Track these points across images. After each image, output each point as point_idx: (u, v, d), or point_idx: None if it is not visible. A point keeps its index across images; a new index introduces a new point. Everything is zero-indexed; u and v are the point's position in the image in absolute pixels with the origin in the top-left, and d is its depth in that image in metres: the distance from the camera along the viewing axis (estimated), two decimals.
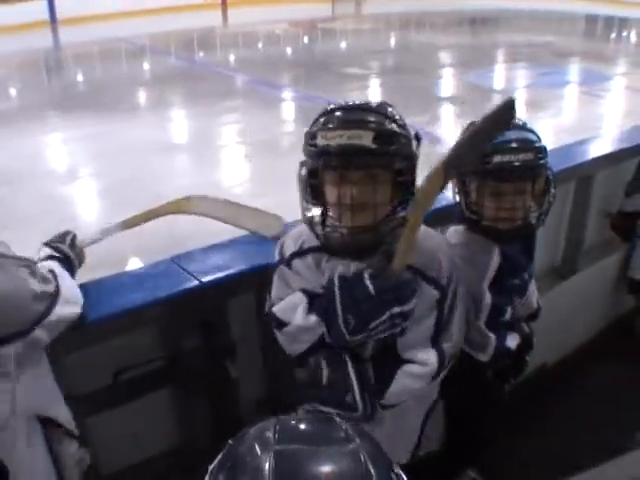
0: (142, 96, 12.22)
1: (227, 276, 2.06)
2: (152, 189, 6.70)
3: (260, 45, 17.20)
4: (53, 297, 1.65)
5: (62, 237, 2.08)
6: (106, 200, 6.93)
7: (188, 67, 14.10)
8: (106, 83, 12.77)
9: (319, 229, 1.76)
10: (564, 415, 3.09)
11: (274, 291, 1.92)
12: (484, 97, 10.79)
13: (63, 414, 1.80)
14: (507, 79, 13.34)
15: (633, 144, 3.65)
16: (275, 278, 1.93)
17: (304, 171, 1.77)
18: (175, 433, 2.46)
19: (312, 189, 1.76)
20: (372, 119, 1.67)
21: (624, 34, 21.06)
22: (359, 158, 1.64)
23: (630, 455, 1.19)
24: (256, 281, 2.08)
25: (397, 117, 1.73)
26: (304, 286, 1.84)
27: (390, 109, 1.75)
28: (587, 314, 3.58)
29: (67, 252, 1.99)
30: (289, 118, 10.19)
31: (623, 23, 21.87)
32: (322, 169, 1.72)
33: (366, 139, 1.62)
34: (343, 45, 17.46)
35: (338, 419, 0.98)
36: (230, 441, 0.97)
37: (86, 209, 7.00)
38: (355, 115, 1.69)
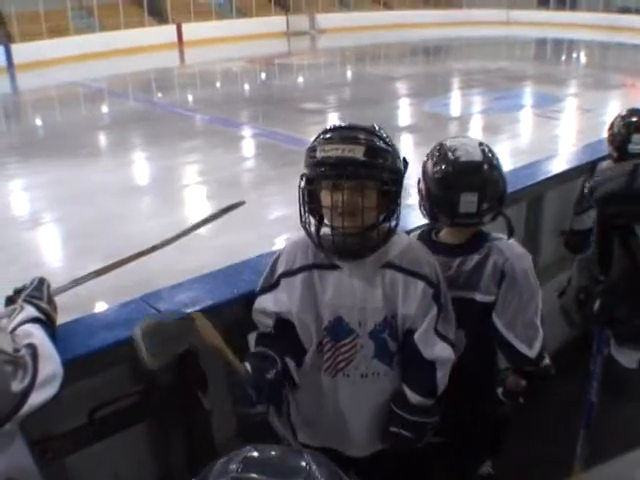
0: (102, 139, 12.25)
1: (193, 312, 2.12)
2: (117, 232, 6.77)
3: (218, 84, 17.37)
4: (24, 393, 1.54)
5: (39, 289, 1.91)
6: (71, 245, 6.96)
7: (147, 109, 14.20)
8: (65, 127, 12.81)
9: (314, 232, 1.93)
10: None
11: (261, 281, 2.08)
12: (441, 125, 11.05)
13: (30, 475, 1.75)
14: (463, 106, 13.68)
15: (581, 163, 3.78)
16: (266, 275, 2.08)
17: (304, 180, 1.91)
18: (153, 467, 2.48)
19: (309, 195, 1.93)
20: (364, 136, 1.86)
21: (573, 56, 21.69)
22: (351, 169, 1.83)
23: (627, 456, 1.22)
24: (223, 315, 2.15)
25: (385, 137, 1.92)
26: (288, 303, 2.00)
27: (380, 130, 1.94)
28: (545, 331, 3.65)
29: (47, 310, 1.86)
30: (249, 155, 10.32)
31: (571, 45, 22.52)
32: (320, 177, 1.88)
33: (358, 152, 1.82)
34: (300, 80, 17.71)
35: (305, 452, 1.02)
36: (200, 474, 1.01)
37: (52, 255, 7.01)
38: (350, 132, 1.88)
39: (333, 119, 12.19)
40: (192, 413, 2.36)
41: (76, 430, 2.17)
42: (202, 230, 6.71)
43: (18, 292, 1.89)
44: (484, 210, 2.12)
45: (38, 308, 1.80)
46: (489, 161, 2.13)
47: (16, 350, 1.56)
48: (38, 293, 1.87)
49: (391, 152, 1.90)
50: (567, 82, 15.31)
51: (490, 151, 2.17)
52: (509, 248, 2.18)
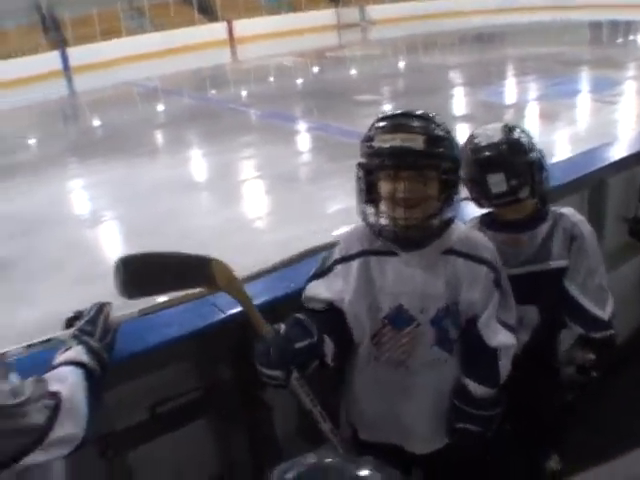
0: (159, 137, 12.41)
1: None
2: (177, 228, 6.81)
3: (271, 78, 17.41)
4: (35, 440, 1.41)
5: (94, 322, 1.78)
6: (131, 242, 7.05)
7: (202, 105, 14.34)
8: (122, 127, 12.99)
9: (374, 221, 1.90)
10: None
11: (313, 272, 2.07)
12: (496, 113, 10.83)
13: None
14: (518, 93, 13.41)
15: None
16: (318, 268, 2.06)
17: (361, 171, 1.89)
18: (215, 463, 2.48)
19: (367, 186, 1.90)
20: (421, 124, 1.84)
21: (630, 38, 21.08)
22: (410, 158, 1.81)
23: (630, 455, 1.20)
24: (284, 312, 2.11)
25: (443, 124, 1.90)
26: (341, 290, 1.97)
27: (438, 117, 1.91)
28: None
29: (97, 349, 1.71)
30: (305, 149, 10.29)
31: (628, 27, 21.91)
32: (378, 168, 1.87)
33: (417, 142, 1.80)
34: (353, 72, 17.62)
35: (362, 461, 1.00)
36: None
37: (112, 253, 7.08)
38: (407, 121, 1.86)
39: (388, 109, 12.06)
40: (254, 410, 2.36)
41: (137, 426, 2.19)
42: (260, 224, 6.78)
43: (76, 318, 1.81)
44: (515, 187, 2.13)
45: (88, 348, 1.68)
46: (508, 139, 2.16)
47: (35, 398, 1.43)
48: (91, 328, 1.75)
49: (450, 140, 1.88)
50: (625, 65, 14.84)
51: (513, 130, 2.20)
52: (572, 214, 2.24)
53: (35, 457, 1.40)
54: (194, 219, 7.17)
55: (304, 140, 10.80)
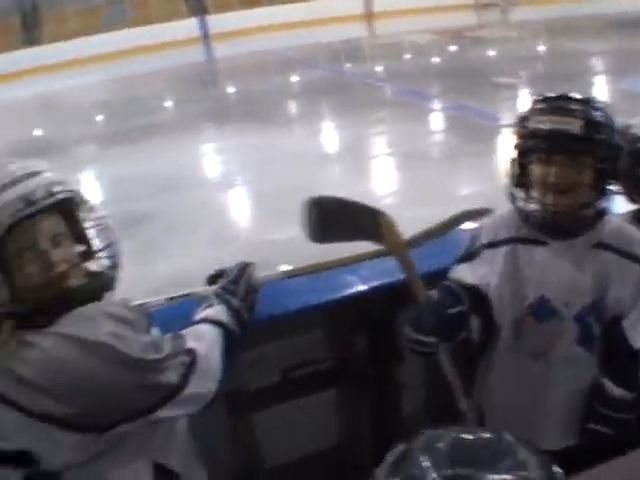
0: (293, 107, 12.54)
1: (397, 281, 2.03)
2: (306, 198, 6.82)
3: (408, 55, 17.20)
4: (167, 395, 1.44)
5: (237, 282, 1.77)
6: (261, 208, 7.14)
7: (336, 78, 14.32)
8: (257, 95, 13.17)
9: (522, 206, 1.84)
10: None
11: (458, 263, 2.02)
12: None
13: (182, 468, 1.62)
14: None
15: None
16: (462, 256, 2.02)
17: (515, 152, 1.87)
18: (337, 432, 2.50)
19: (520, 168, 1.87)
20: (581, 108, 1.78)
21: None
22: (566, 143, 1.75)
23: (628, 455, 1.13)
24: (426, 287, 2.05)
25: (605, 110, 1.83)
26: (486, 275, 1.92)
27: (599, 102, 1.85)
28: None
29: (238, 308, 1.70)
30: (439, 128, 10.10)
31: None
32: (531, 150, 1.82)
33: (575, 126, 1.74)
34: (491, 53, 17.11)
35: (514, 440, 0.93)
36: (400, 447, 0.92)
37: (242, 216, 7.24)
38: (566, 103, 1.80)
39: (526, 94, 11.68)
40: (384, 384, 2.37)
41: (268, 388, 2.24)
42: (389, 201, 6.69)
43: (219, 275, 1.83)
44: None
45: (229, 307, 1.69)
46: None
47: (172, 355, 1.46)
48: (233, 287, 1.76)
49: (610, 126, 1.81)
50: None
51: None
52: None
53: (165, 412, 1.45)
54: (323, 190, 7.05)
55: (438, 119, 10.61)
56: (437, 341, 1.82)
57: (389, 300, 2.12)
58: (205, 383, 1.51)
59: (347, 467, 2.35)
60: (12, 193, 1.38)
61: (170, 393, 1.44)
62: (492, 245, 1.94)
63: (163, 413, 1.45)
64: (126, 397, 1.40)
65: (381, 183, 7.71)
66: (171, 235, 6.22)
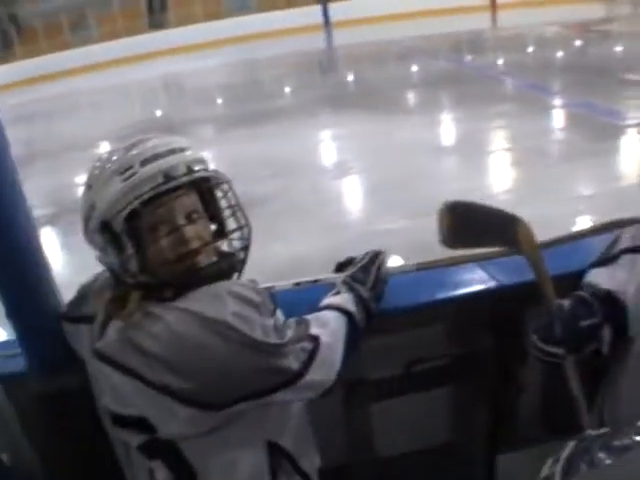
0: (411, 97, 12.46)
1: (527, 281, 1.98)
2: (421, 190, 6.79)
3: (530, 48, 16.73)
4: (286, 381, 1.43)
5: (367, 270, 1.74)
6: (374, 197, 7.15)
7: (456, 70, 14.12)
8: (376, 83, 13.18)
9: None
10: None
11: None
12: None
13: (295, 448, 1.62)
14: None
15: None
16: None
17: None
18: (449, 430, 2.46)
19: None
20: None
21: None
22: None
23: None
24: (560, 291, 1.99)
25: None
26: (625, 282, 1.80)
27: None
28: None
29: (366, 299, 1.67)
30: (560, 125, 9.78)
31: None
32: None
33: None
34: (620, 49, 16.41)
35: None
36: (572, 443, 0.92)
37: (356, 204, 7.26)
38: None
39: None
40: (504, 387, 2.27)
41: (389, 379, 2.19)
42: (505, 198, 6.56)
43: (348, 263, 1.81)
44: None
45: (357, 296, 1.65)
46: None
47: (295, 340, 1.45)
48: (363, 276, 1.72)
49: None
50: None
51: None
52: None
53: (282, 396, 1.44)
54: (438, 183, 7.09)
55: (560, 115, 10.26)
56: (565, 352, 1.74)
57: (518, 299, 2.04)
58: (325, 372, 1.49)
59: (456, 466, 2.33)
60: (154, 167, 1.40)
61: (289, 379, 1.43)
62: (634, 250, 1.82)
63: (279, 397, 1.45)
64: (244, 378, 1.40)
65: (497, 179, 7.56)
66: (286, 219, 6.34)
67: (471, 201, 1.84)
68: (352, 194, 7.63)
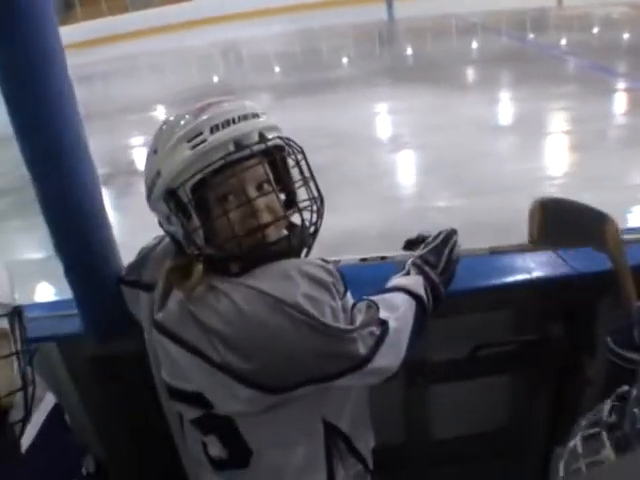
0: (471, 73, 12.28)
1: (603, 271, 1.83)
2: (477, 168, 6.75)
3: (596, 29, 16.31)
4: (352, 366, 1.37)
5: (439, 252, 1.63)
6: (429, 174, 7.10)
7: (519, 47, 13.86)
8: (436, 58, 13.04)
9: None
10: None
11: None
12: None
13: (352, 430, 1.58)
14: None
15: None
16: None
17: None
18: (507, 417, 2.43)
19: None
20: None
21: None
22: None
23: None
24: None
25: None
26: None
27: None
28: None
29: (436, 283, 1.57)
30: (623, 109, 9.54)
31: None
32: None
33: None
34: None
35: None
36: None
37: (411, 180, 7.24)
38: None
39: None
40: (570, 379, 2.24)
41: (454, 362, 2.17)
42: (562, 181, 6.44)
43: (418, 241, 1.69)
44: None
45: (428, 280, 1.55)
46: None
47: (364, 324, 1.39)
48: (435, 258, 1.60)
49: None
50: None
51: None
52: None
53: (346, 381, 1.39)
54: (494, 163, 7.03)
55: (624, 99, 10.02)
56: None
57: (591, 289, 1.99)
58: (392, 358, 1.43)
59: (510, 453, 2.33)
60: (225, 135, 1.32)
61: (356, 364, 1.37)
62: None
63: (342, 382, 1.38)
64: (310, 362, 1.34)
65: (555, 162, 7.43)
66: (340, 190, 6.35)
67: (561, 198, 1.77)
68: (407, 169, 7.61)
